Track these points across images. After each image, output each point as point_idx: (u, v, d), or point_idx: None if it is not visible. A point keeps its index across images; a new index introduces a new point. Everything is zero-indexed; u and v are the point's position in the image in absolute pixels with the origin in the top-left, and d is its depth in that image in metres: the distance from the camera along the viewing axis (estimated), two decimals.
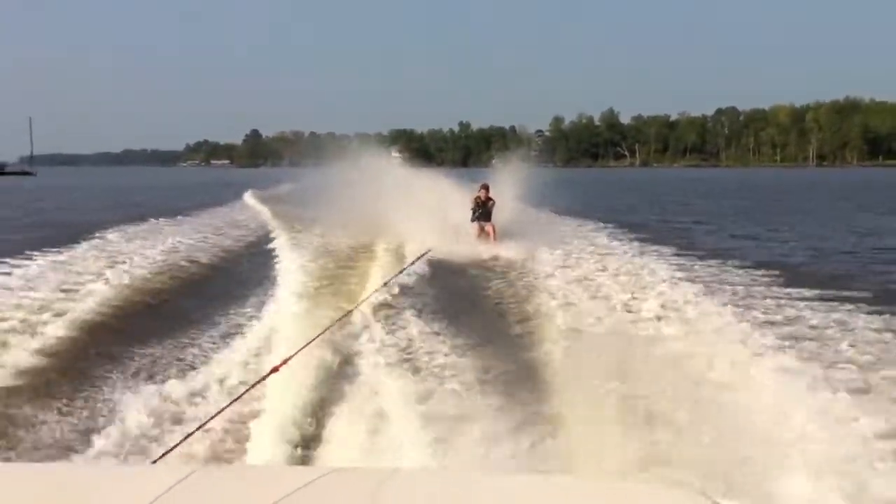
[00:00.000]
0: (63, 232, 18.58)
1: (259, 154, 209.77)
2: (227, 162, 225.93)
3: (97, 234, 17.66)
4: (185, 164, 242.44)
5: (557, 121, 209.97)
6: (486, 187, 17.20)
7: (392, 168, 24.82)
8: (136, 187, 63.47)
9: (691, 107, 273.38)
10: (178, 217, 23.77)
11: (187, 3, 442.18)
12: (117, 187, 64.08)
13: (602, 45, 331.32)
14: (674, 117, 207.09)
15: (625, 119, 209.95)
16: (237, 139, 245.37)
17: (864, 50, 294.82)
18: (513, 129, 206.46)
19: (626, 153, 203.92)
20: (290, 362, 5.64)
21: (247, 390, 5.32)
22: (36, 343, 7.82)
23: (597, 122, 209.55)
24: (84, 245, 15.87)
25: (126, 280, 11.44)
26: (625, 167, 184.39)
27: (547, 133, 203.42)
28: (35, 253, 14.17)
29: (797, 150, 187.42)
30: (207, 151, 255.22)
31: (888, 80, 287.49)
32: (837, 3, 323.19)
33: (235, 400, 5.19)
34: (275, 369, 5.35)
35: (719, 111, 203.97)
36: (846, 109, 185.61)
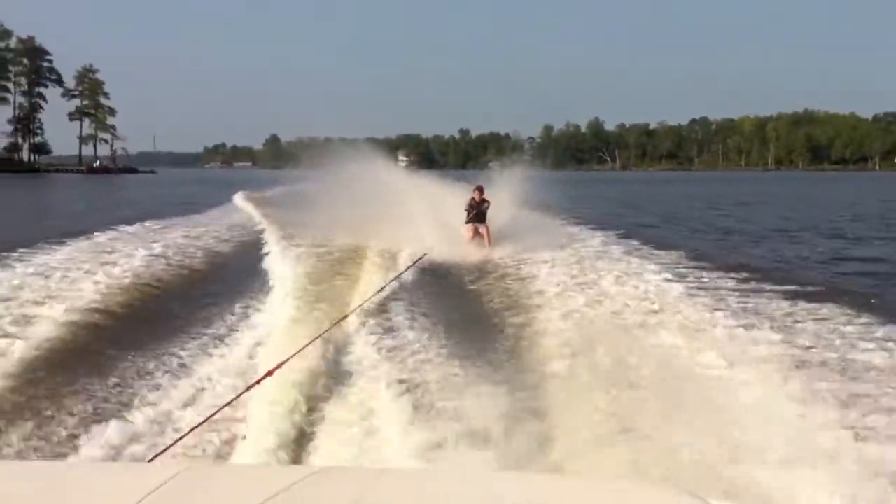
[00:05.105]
0: None
1: (278, 157, 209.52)
2: (249, 164, 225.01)
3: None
4: (209, 165, 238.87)
5: (548, 128, 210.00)
6: (480, 189, 15.86)
7: (395, 171, 24.53)
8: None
9: (669, 116, 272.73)
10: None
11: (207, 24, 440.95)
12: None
13: (591, 61, 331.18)
14: (653, 126, 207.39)
15: (609, 127, 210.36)
16: (253, 142, 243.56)
17: (826, 65, 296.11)
18: (507, 135, 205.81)
19: (608, 158, 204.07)
20: (284, 366, 5.12)
21: (242, 392, 5.00)
22: (39, 332, 7.38)
23: (583, 130, 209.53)
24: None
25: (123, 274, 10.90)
26: (606, 170, 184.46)
27: (538, 139, 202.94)
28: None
29: (758, 157, 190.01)
30: (226, 154, 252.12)
31: (844, 94, 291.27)
32: (803, 22, 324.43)
33: (231, 402, 4.88)
34: (270, 372, 4.96)
35: (693, 121, 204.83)
36: (802, 121, 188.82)
